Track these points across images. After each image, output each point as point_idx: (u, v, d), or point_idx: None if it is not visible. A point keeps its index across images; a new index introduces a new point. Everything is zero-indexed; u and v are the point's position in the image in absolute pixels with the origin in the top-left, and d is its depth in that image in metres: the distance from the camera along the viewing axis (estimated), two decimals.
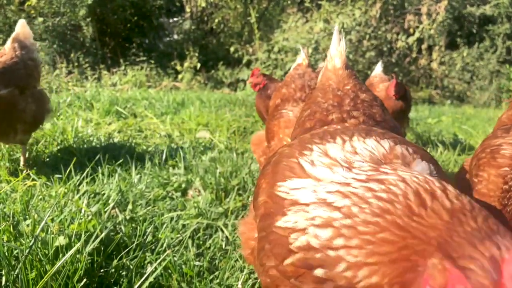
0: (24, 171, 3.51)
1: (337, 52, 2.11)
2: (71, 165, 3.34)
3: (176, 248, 2.56)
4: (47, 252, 2.11)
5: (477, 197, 2.23)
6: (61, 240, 2.17)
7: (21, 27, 3.82)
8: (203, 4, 17.02)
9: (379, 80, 5.82)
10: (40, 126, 3.84)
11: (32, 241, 2.06)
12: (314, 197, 1.20)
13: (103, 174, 3.50)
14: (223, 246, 2.70)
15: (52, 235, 2.20)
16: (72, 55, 14.35)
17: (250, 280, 2.37)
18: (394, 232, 1.03)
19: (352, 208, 1.11)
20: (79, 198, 2.93)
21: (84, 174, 3.29)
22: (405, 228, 1.03)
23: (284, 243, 1.21)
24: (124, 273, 2.24)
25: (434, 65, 17.28)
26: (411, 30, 16.22)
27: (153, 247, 2.51)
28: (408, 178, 1.13)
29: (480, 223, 0.98)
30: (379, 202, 1.09)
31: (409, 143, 1.46)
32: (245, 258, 1.86)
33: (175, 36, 19.85)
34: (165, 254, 2.33)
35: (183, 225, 2.88)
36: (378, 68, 6.22)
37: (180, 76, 15.19)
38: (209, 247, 2.68)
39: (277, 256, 1.23)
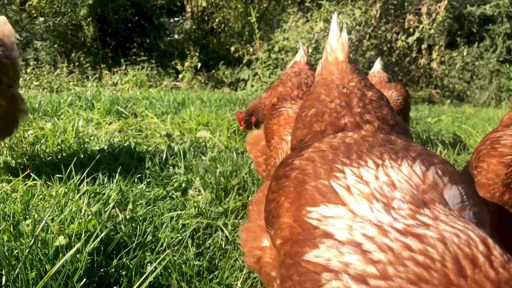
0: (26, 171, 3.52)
1: (338, 44, 1.97)
2: (72, 165, 3.35)
3: (176, 248, 2.56)
4: (47, 252, 2.12)
5: (476, 188, 2.23)
6: (61, 240, 2.18)
7: (1, 25, 3.77)
8: (204, 4, 17.04)
9: (378, 80, 5.77)
10: (15, 129, 3.59)
11: (32, 241, 2.06)
12: (350, 236, 1.10)
13: (103, 173, 3.51)
14: (223, 246, 2.70)
15: (52, 235, 2.20)
16: (73, 54, 14.39)
17: (250, 279, 2.37)
18: None
19: (388, 269, 1.01)
20: (80, 197, 2.94)
21: (85, 173, 3.30)
22: None
23: (315, 280, 1.11)
24: (124, 272, 2.25)
25: (434, 64, 17.28)
26: (411, 30, 16.22)
27: (153, 247, 2.52)
28: (448, 237, 1.03)
29: None
30: (415, 268, 0.99)
31: (433, 156, 1.38)
32: (249, 266, 1.81)
33: (176, 36, 19.88)
34: (165, 253, 2.33)
35: (183, 225, 2.88)
36: (377, 65, 6.12)
37: (180, 76, 15.21)
38: (209, 247, 2.68)
39: None
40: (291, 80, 3.29)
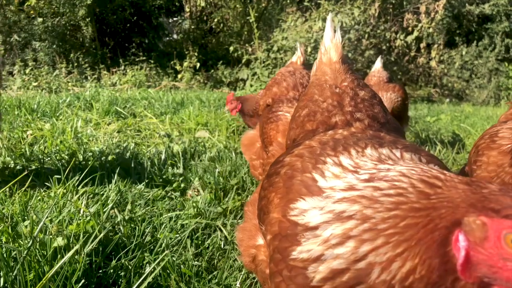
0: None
1: (332, 44, 1.99)
2: (70, 166, 3.35)
3: (175, 248, 2.56)
4: (45, 253, 2.12)
5: None
6: (60, 241, 2.18)
7: None
8: (203, 4, 17.01)
9: (377, 80, 5.74)
10: None
11: (31, 242, 2.06)
12: (322, 215, 1.14)
13: (102, 174, 3.50)
14: (222, 246, 2.70)
15: (51, 236, 2.20)
16: (71, 55, 14.38)
17: (249, 279, 2.37)
18: (415, 215, 1.03)
19: (365, 212, 1.07)
20: (78, 198, 2.93)
21: (83, 174, 3.29)
22: (424, 207, 1.03)
23: (305, 276, 1.12)
24: (122, 273, 2.25)
25: (433, 63, 17.27)
26: (410, 29, 16.21)
27: (152, 247, 2.51)
28: (407, 171, 1.13)
29: (497, 186, 1.02)
30: (390, 198, 1.07)
31: (420, 150, 1.45)
32: (245, 265, 1.82)
33: (175, 36, 19.89)
34: (164, 254, 2.33)
35: (182, 225, 2.88)
36: (377, 64, 6.10)
37: (179, 76, 15.20)
38: (208, 247, 2.68)
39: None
40: (286, 80, 3.22)
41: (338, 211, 1.11)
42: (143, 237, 2.60)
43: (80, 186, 3.21)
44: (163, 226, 2.79)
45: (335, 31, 1.99)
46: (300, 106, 1.95)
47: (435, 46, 17.23)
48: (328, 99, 1.82)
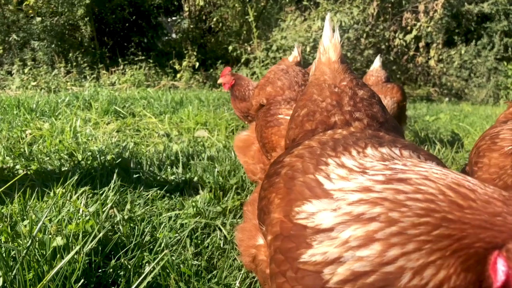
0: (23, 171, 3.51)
1: (331, 44, 1.99)
2: (69, 165, 3.34)
3: (174, 248, 2.56)
4: (44, 253, 2.12)
5: None
6: (59, 241, 2.17)
7: None
8: (201, 3, 17.00)
9: (375, 80, 5.73)
10: None
11: (30, 241, 2.06)
12: (336, 216, 1.11)
13: (101, 174, 3.50)
14: (221, 245, 2.70)
15: (50, 236, 2.20)
16: (70, 54, 14.36)
17: (248, 279, 2.37)
18: (449, 226, 1.01)
19: (391, 215, 1.05)
20: (77, 198, 2.93)
21: (82, 174, 3.29)
22: (459, 220, 1.01)
23: (317, 278, 1.09)
24: (122, 273, 2.24)
25: (432, 62, 17.27)
26: (409, 28, 16.22)
27: (151, 247, 2.51)
28: (428, 174, 1.12)
29: None
30: (419, 204, 1.05)
31: (420, 149, 1.45)
32: (245, 265, 1.82)
33: (174, 35, 19.86)
34: (163, 253, 2.32)
35: (181, 225, 2.88)
36: (376, 63, 6.08)
37: (178, 75, 15.19)
38: (207, 246, 2.68)
39: None
40: (280, 80, 3.12)
41: (356, 213, 1.08)
42: (143, 237, 2.60)
43: (79, 186, 3.20)
44: (163, 225, 2.79)
45: (333, 31, 1.99)
46: (299, 105, 1.95)
47: (434, 45, 17.23)
48: (327, 98, 1.82)
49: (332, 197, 1.17)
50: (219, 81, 5.00)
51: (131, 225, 2.73)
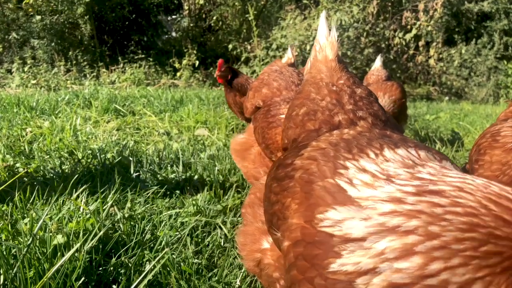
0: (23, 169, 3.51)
1: (328, 42, 1.96)
2: (70, 163, 3.34)
3: (175, 246, 2.56)
4: (45, 251, 2.11)
5: None
6: (59, 239, 2.17)
7: None
8: (201, 2, 17.01)
9: (375, 79, 5.72)
10: None
11: (30, 239, 2.06)
12: (368, 226, 1.08)
13: (101, 172, 3.50)
14: (222, 244, 2.70)
15: (50, 234, 2.20)
16: (70, 53, 14.36)
17: (249, 277, 2.37)
18: (497, 243, 0.98)
19: (430, 229, 1.01)
20: (78, 196, 2.93)
21: (83, 172, 3.29)
22: (507, 237, 0.97)
23: (348, 287, 1.06)
24: (122, 271, 2.24)
25: (432, 61, 17.27)
26: (409, 27, 16.22)
27: (152, 245, 2.51)
28: (463, 185, 1.08)
29: None
30: (461, 218, 1.01)
31: (430, 148, 1.42)
32: (248, 269, 1.79)
33: (174, 34, 19.87)
34: (164, 252, 2.33)
35: (182, 223, 2.88)
36: (377, 63, 6.09)
37: (178, 74, 15.19)
38: (208, 245, 2.68)
39: None
40: (276, 81, 3.07)
41: (391, 225, 1.05)
42: (143, 235, 2.59)
43: (79, 184, 3.20)
44: (163, 224, 2.79)
45: (330, 29, 1.97)
46: (296, 104, 1.92)
47: (434, 44, 17.23)
48: (326, 97, 1.80)
49: (360, 205, 1.13)
50: (216, 74, 4.97)
51: (132, 223, 2.73)
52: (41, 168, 3.60)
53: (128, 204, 2.95)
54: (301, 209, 1.25)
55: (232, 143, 3.35)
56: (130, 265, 2.25)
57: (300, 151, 1.49)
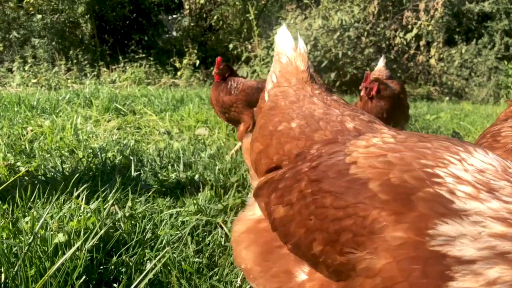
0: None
1: (297, 54, 1.94)
2: (70, 162, 3.34)
3: (176, 245, 2.56)
4: (46, 249, 2.12)
5: None
6: (61, 237, 2.17)
7: None
8: (202, 1, 17.01)
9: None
10: None
11: (31, 238, 2.06)
12: (478, 248, 0.98)
13: (102, 171, 3.50)
14: (223, 243, 2.70)
15: (52, 232, 2.20)
16: (71, 52, 14.38)
17: None
18: None
19: None
20: (78, 195, 2.93)
21: (83, 171, 3.29)
22: None
23: None
24: (123, 269, 2.24)
25: (433, 61, 17.28)
26: (409, 27, 16.22)
27: (153, 244, 2.51)
28: None
29: None
30: None
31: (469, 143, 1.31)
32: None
33: (174, 33, 19.86)
34: (165, 251, 2.33)
35: (182, 222, 2.88)
36: (380, 63, 6.16)
37: (179, 73, 15.20)
38: (209, 244, 2.68)
39: None
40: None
41: (502, 250, 0.96)
42: (144, 234, 2.59)
43: (80, 183, 3.20)
44: (164, 223, 2.79)
45: (296, 40, 1.96)
46: (276, 121, 1.76)
47: (435, 44, 17.24)
48: (312, 106, 1.71)
49: (469, 220, 1.02)
50: (214, 71, 4.99)
51: (132, 222, 2.73)
52: (42, 167, 3.60)
53: (129, 203, 2.95)
54: (406, 220, 1.08)
55: (245, 143, 3.29)
56: (131, 264, 2.25)
57: (345, 158, 1.31)
